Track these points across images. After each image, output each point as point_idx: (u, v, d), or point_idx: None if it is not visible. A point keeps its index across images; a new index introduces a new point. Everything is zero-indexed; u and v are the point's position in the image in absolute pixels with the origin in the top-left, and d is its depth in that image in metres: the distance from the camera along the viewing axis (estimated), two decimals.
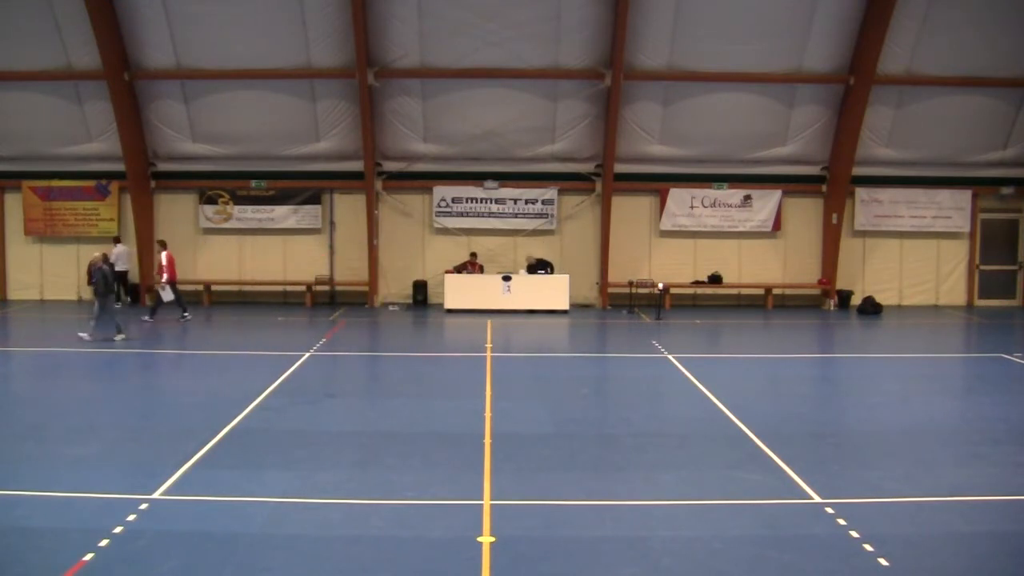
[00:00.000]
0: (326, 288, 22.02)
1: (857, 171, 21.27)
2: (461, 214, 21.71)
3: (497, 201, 21.70)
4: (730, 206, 21.75)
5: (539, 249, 21.42)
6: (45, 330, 17.98)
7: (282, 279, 22.06)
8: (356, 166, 21.09)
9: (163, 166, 21.55)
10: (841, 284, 21.90)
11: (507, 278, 20.37)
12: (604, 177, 21.00)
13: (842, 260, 21.76)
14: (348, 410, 10.86)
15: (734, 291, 22.25)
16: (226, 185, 21.66)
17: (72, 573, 5.83)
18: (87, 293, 22.04)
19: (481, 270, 21.08)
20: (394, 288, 21.91)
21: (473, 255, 21.24)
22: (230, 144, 21.24)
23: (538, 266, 20.66)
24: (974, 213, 22.05)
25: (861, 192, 21.73)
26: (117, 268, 21.17)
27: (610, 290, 21.46)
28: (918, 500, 7.45)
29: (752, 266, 22.08)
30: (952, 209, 21.90)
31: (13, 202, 21.98)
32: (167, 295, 18.37)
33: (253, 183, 21.67)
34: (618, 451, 9.09)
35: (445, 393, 11.94)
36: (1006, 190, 21.95)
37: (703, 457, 8.84)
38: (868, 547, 6.35)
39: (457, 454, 8.66)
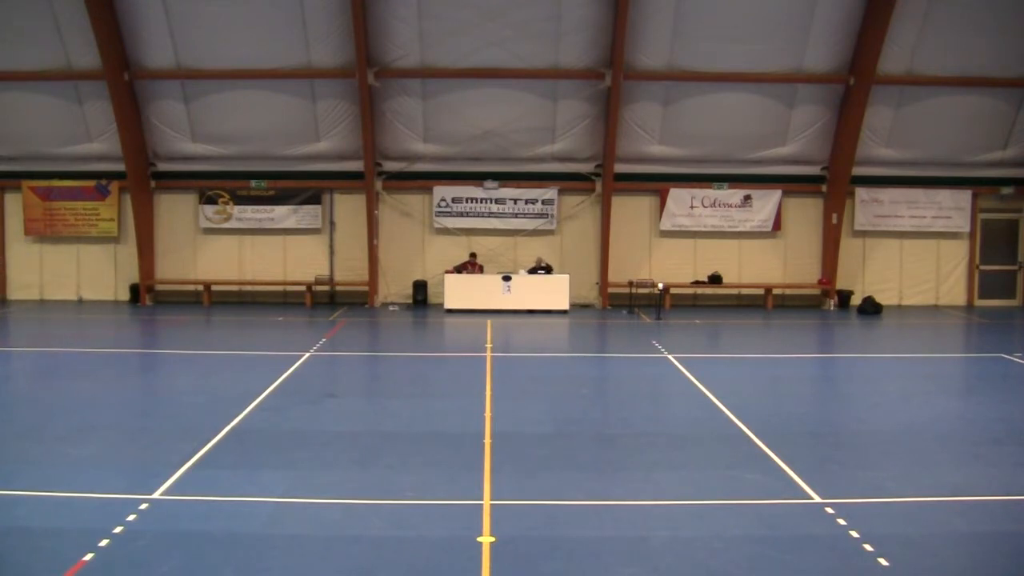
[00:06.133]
0: (326, 288, 22.01)
1: (857, 171, 21.26)
2: (461, 214, 21.71)
3: (497, 201, 21.70)
4: (730, 206, 21.74)
5: (539, 249, 21.41)
6: (45, 330, 17.96)
7: (282, 279, 22.05)
8: (356, 166, 21.08)
9: (163, 166, 21.54)
10: (841, 284, 21.89)
11: (507, 278, 20.37)
12: (604, 177, 20.99)
13: (842, 260, 21.76)
14: (348, 410, 10.85)
15: (734, 291, 22.24)
16: (226, 185, 21.65)
17: (72, 573, 5.83)
18: (88, 293, 22.15)
19: (481, 270, 21.07)
20: (394, 288, 21.91)
21: (473, 255, 21.24)
22: (230, 144, 21.24)
23: (539, 268, 20.67)
24: (974, 213, 22.04)
25: (861, 192, 21.72)
26: None
27: (610, 290, 21.46)
28: (918, 500, 7.45)
29: (752, 266, 22.07)
30: (952, 209, 21.90)
31: (13, 202, 21.98)
32: None
33: (253, 183, 21.67)
34: (618, 451, 9.09)
35: (445, 393, 11.94)
36: (1006, 190, 21.94)
37: (703, 457, 8.84)
38: (868, 547, 6.35)
39: (457, 454, 8.66)
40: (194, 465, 8.19)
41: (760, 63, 19.93)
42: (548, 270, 20.67)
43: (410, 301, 21.70)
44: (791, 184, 21.69)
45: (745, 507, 7.26)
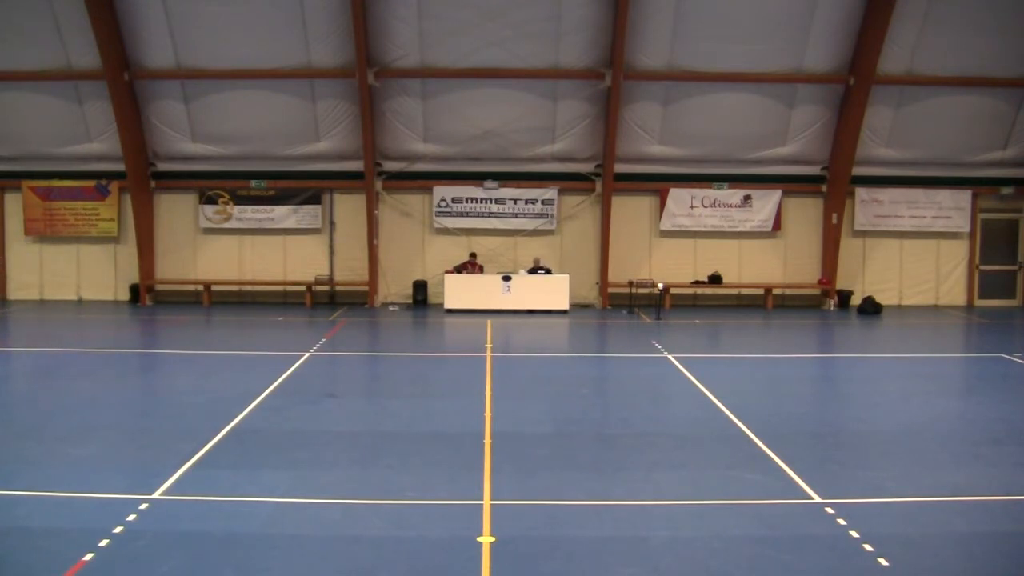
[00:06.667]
0: (326, 288, 22.01)
1: (857, 171, 21.26)
2: (461, 214, 21.71)
3: (497, 201, 21.70)
4: (730, 206, 21.74)
5: (539, 249, 21.41)
6: (45, 330, 17.96)
7: (282, 279, 22.06)
8: (356, 166, 21.09)
9: (163, 166, 21.54)
10: (841, 284, 21.89)
11: (507, 278, 20.37)
12: (604, 177, 20.99)
13: (842, 260, 21.76)
14: (348, 410, 10.85)
15: (734, 291, 22.24)
16: (226, 185, 21.65)
17: (72, 573, 5.83)
18: (88, 293, 22.15)
19: (481, 270, 21.07)
20: (394, 288, 21.91)
21: (473, 255, 21.24)
22: (230, 144, 21.24)
23: (537, 269, 20.67)
24: (974, 213, 22.04)
25: (861, 192, 21.72)
26: None
27: (610, 290, 21.45)
28: (918, 500, 7.45)
29: (752, 266, 22.06)
30: (952, 209, 21.90)
31: (13, 202, 21.98)
32: None
33: (253, 183, 21.67)
34: (618, 451, 9.08)
35: (445, 393, 11.93)
36: (1006, 190, 21.94)
37: (703, 457, 8.83)
38: (868, 547, 6.35)
39: (457, 454, 8.66)
40: (194, 465, 8.19)
41: (760, 63, 19.93)
42: (547, 272, 20.65)
43: (410, 301, 21.69)
44: (791, 184, 21.69)
45: (745, 507, 7.26)
